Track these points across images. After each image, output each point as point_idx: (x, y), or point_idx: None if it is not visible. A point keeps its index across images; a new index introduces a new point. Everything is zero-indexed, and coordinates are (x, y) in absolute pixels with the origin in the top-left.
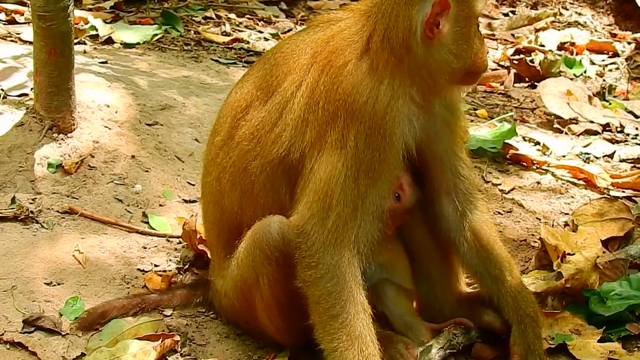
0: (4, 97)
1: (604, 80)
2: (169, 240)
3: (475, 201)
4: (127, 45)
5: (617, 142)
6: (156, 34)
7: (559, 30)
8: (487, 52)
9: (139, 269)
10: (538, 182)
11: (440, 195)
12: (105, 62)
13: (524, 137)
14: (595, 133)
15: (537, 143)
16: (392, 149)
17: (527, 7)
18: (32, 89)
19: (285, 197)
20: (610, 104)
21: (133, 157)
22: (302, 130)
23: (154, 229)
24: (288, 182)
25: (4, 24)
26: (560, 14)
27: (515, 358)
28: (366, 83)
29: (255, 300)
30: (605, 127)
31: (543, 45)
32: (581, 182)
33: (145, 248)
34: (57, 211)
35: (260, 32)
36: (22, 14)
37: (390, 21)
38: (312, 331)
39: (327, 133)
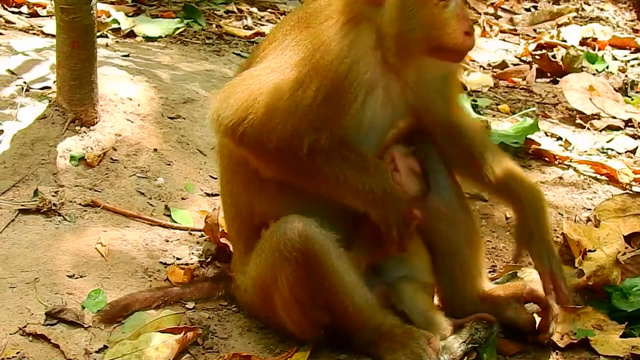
0: (27, 90)
1: (626, 76)
2: (191, 234)
3: (491, 152)
4: (149, 39)
5: None
6: (178, 28)
7: (581, 25)
8: (470, 32)
9: (161, 262)
10: (560, 178)
11: (455, 165)
12: (128, 56)
13: (546, 133)
14: (618, 128)
15: (560, 138)
16: (351, 110)
17: (549, 2)
18: (54, 81)
19: None
20: (632, 99)
21: (155, 150)
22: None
23: (176, 222)
24: None
25: (27, 17)
26: (583, 9)
27: (518, 246)
28: (334, 41)
29: (275, 298)
30: (628, 122)
31: (565, 41)
32: (603, 177)
33: (167, 241)
34: (80, 204)
35: None
36: (45, 7)
37: None
38: (333, 327)
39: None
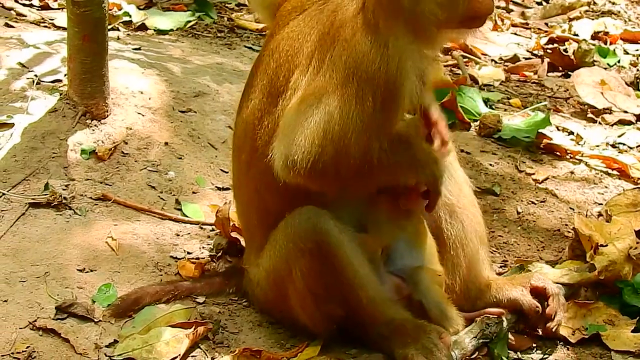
0: (38, 83)
1: (637, 70)
2: (202, 228)
3: None
4: (160, 32)
5: None
6: (189, 21)
7: (592, 19)
8: None
9: (172, 256)
10: (572, 172)
11: None
12: (139, 49)
13: (557, 127)
14: (629, 123)
15: (571, 133)
16: (399, 109)
17: None
18: (65, 75)
19: None
20: None
21: (166, 144)
22: None
23: (187, 216)
24: None
25: (38, 10)
26: (594, 3)
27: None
28: (375, 50)
29: (289, 291)
30: (639, 117)
31: (577, 35)
32: (615, 172)
33: (178, 235)
34: (90, 198)
35: None
36: (56, 0)
37: None
38: (346, 320)
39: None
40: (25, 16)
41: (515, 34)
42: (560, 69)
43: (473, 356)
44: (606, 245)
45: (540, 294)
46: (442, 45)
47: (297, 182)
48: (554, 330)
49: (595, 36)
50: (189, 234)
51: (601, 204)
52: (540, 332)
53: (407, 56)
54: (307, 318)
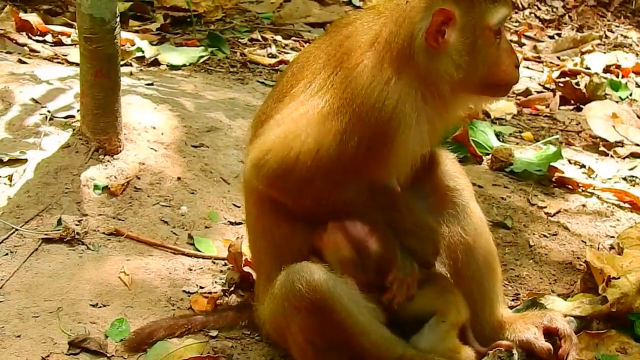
0: (51, 119)
1: None
2: (214, 262)
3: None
4: (173, 67)
5: None
6: (202, 56)
7: (604, 52)
8: (518, 65)
9: (184, 291)
10: (583, 205)
11: None
12: (151, 84)
13: (569, 160)
14: None
15: (583, 166)
16: (394, 152)
17: (572, 29)
18: (78, 110)
19: None
20: None
21: (179, 178)
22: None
23: (199, 251)
24: None
25: (51, 46)
26: (606, 37)
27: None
28: (375, 84)
29: (289, 341)
30: None
31: (589, 68)
32: (627, 205)
33: (190, 270)
34: (103, 233)
35: None
36: (69, 36)
37: (396, 25)
38: None
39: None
40: (39, 52)
41: (528, 67)
42: (572, 102)
43: None
44: (618, 278)
45: (552, 334)
46: (458, 109)
47: (261, 189)
48: None
49: (607, 69)
50: (201, 268)
51: (613, 237)
52: None
53: (407, 99)
54: None
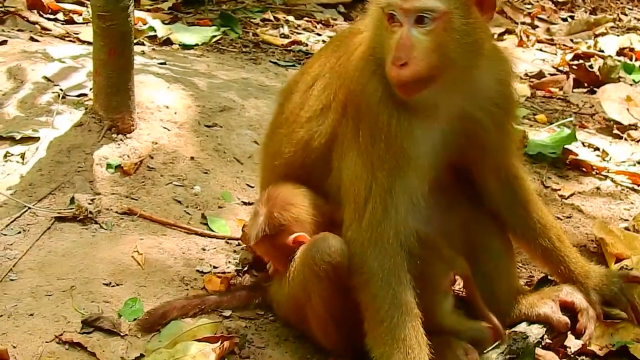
0: (63, 97)
1: None
2: (228, 242)
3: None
4: (185, 47)
5: None
6: (214, 36)
7: (618, 35)
8: (396, 63)
9: (197, 271)
10: (598, 188)
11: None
12: (164, 63)
13: (583, 143)
14: None
15: (597, 149)
16: (410, 138)
17: (586, 12)
18: (91, 89)
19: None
20: None
21: (192, 158)
22: (322, 120)
23: (213, 231)
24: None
25: (63, 24)
26: (620, 19)
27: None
28: (374, 81)
29: (308, 315)
30: None
31: (602, 51)
32: None
33: (204, 250)
34: (116, 212)
35: (319, 34)
36: (81, 14)
37: None
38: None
39: (343, 130)
40: (50, 30)
41: (541, 50)
42: (586, 85)
43: None
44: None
45: (569, 308)
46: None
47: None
48: (587, 345)
49: (620, 52)
50: (214, 248)
51: (627, 220)
52: (572, 348)
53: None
54: (329, 342)
